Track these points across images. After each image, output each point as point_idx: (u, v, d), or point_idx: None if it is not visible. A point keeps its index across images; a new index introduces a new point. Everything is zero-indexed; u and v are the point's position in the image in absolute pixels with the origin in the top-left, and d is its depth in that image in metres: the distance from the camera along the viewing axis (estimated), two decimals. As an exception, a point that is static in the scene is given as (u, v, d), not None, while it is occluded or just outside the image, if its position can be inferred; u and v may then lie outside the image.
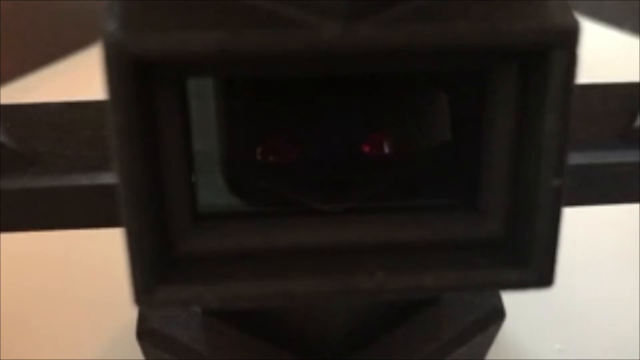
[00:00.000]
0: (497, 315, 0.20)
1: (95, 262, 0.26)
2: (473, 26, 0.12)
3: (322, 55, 0.12)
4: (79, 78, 0.34)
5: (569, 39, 0.12)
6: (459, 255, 0.14)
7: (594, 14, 0.40)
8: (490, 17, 0.12)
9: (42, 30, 0.38)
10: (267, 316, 0.18)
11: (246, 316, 0.18)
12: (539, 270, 0.13)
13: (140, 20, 0.12)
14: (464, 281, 0.14)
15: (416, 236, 0.14)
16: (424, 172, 0.16)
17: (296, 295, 0.13)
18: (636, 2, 0.40)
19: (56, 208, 0.17)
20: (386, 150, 0.16)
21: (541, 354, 0.23)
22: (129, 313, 0.19)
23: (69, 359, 0.23)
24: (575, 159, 0.17)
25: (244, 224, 0.14)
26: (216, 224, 0.14)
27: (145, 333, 0.19)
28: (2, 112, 0.17)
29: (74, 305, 0.25)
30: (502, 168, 0.14)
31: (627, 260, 0.26)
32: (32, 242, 0.24)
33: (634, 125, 0.18)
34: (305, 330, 0.18)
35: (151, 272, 0.13)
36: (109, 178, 0.16)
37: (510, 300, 0.20)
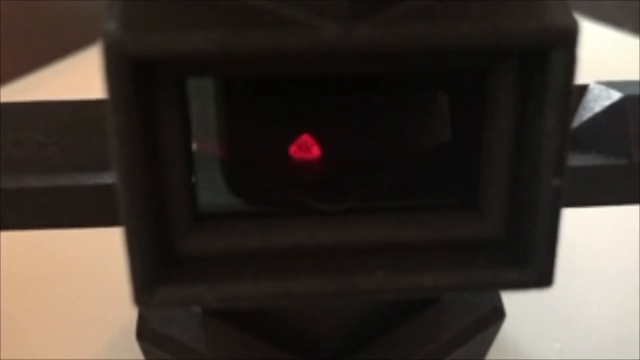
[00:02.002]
0: (497, 315, 0.20)
1: (95, 262, 0.26)
2: (473, 26, 0.12)
3: (322, 55, 0.12)
4: (79, 78, 0.34)
5: (569, 39, 0.12)
6: (459, 255, 0.14)
7: (594, 14, 0.40)
8: (490, 17, 0.12)
9: (42, 30, 0.38)
10: (267, 316, 0.18)
11: (246, 316, 0.18)
12: (539, 270, 0.13)
13: (140, 20, 0.12)
14: (464, 281, 0.14)
15: (416, 236, 0.14)
16: (424, 172, 0.16)
17: (296, 295, 0.13)
18: (636, 2, 0.40)
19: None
20: (386, 150, 0.16)
21: (541, 354, 0.23)
22: (129, 313, 0.19)
23: (69, 359, 0.23)
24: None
25: (244, 224, 0.14)
26: (216, 224, 0.14)
27: (145, 333, 0.19)
28: None
29: (74, 305, 0.25)
30: (502, 168, 0.14)
31: (627, 260, 0.26)
32: (32, 242, 0.24)
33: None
34: (305, 330, 0.18)
35: (151, 272, 0.13)
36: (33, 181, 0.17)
37: (510, 300, 0.20)
